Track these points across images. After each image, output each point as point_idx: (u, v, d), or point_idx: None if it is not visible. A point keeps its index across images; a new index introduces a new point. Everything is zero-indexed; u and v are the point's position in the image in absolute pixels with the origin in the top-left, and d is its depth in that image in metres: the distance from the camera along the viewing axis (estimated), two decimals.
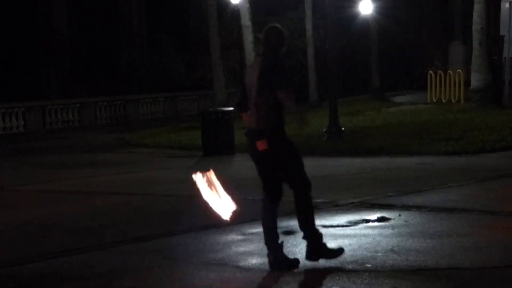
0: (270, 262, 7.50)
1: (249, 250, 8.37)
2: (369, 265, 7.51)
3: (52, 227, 10.44)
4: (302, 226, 7.70)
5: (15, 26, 40.26)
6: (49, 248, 9.00)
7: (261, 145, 7.40)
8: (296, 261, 7.56)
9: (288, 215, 10.26)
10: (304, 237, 7.70)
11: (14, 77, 39.78)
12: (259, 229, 9.35)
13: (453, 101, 31.14)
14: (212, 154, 18.36)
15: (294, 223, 9.61)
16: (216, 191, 7.76)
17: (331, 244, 8.47)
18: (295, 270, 7.47)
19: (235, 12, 30.76)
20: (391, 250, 8.05)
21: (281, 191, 7.64)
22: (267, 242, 7.55)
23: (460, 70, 32.68)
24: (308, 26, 35.87)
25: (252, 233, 9.14)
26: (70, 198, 13.32)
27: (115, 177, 16.04)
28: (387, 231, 9.04)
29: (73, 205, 12.46)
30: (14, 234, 10.11)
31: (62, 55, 41.76)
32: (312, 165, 15.98)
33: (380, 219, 9.77)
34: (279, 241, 7.55)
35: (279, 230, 8.83)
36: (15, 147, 25.46)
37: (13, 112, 29.87)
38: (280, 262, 7.47)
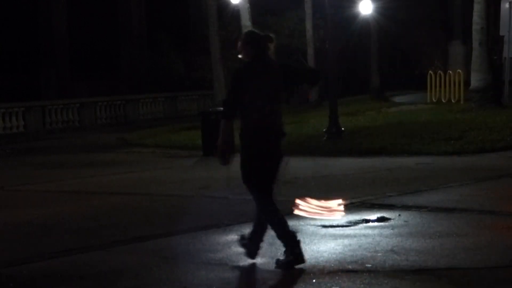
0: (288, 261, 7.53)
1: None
2: (369, 265, 7.51)
3: (52, 227, 10.44)
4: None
5: (15, 26, 40.26)
6: (49, 248, 9.00)
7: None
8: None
9: (288, 214, 10.27)
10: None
11: (14, 77, 39.79)
12: None
13: (453, 101, 31.14)
14: (212, 154, 18.36)
15: (294, 223, 9.63)
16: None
17: (330, 244, 8.48)
18: (295, 269, 7.45)
19: (235, 12, 30.76)
20: (391, 250, 8.05)
21: None
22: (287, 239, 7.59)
23: (460, 70, 32.69)
24: (308, 26, 35.87)
25: None
26: (70, 198, 13.32)
27: (115, 177, 16.04)
28: (387, 231, 9.04)
29: (73, 205, 12.45)
30: (14, 234, 10.11)
31: (62, 55, 41.77)
32: (312, 165, 16.05)
33: (380, 219, 9.77)
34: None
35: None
36: (15, 147, 25.46)
37: (13, 112, 29.88)
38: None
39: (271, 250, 8.28)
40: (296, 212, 9.11)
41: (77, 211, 11.70)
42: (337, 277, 7.15)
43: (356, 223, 9.64)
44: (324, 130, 19.89)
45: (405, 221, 9.62)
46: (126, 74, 43.04)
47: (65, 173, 17.11)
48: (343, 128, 20.03)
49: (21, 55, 40.77)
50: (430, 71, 33.93)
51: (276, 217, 7.63)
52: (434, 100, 32.26)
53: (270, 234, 9.09)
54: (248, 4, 26.64)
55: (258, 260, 7.86)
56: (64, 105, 32.32)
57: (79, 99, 34.50)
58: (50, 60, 41.18)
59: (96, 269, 7.94)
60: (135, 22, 43.85)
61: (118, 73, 43.03)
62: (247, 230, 9.34)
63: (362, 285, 6.90)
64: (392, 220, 9.70)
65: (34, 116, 30.56)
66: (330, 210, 9.41)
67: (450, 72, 32.98)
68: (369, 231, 9.09)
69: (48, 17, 41.39)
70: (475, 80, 24.85)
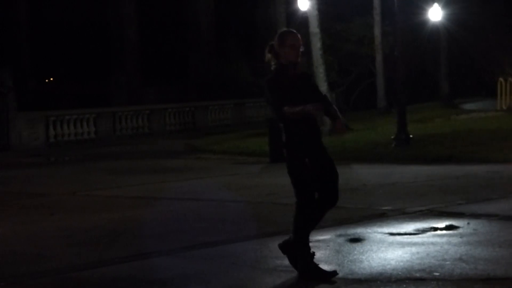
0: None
1: (315, 257, 8.35)
2: (437, 274, 7.45)
3: (121, 232, 10.58)
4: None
5: (87, 34, 40.96)
6: (118, 253, 9.12)
7: None
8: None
9: (355, 222, 10.25)
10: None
11: (85, 84, 40.48)
12: (326, 236, 9.37)
13: None
14: (280, 161, 18.34)
15: (361, 231, 9.60)
16: None
17: (398, 252, 8.43)
18: (363, 278, 7.43)
19: (303, 19, 30.76)
20: (460, 259, 7.97)
21: None
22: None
23: None
24: (377, 32, 35.70)
25: (319, 240, 9.13)
26: (138, 204, 13.48)
27: (183, 183, 16.19)
28: (456, 240, 8.95)
29: (142, 210, 12.61)
30: (85, 239, 10.26)
31: (132, 62, 42.33)
32: (380, 172, 15.97)
33: (448, 227, 9.68)
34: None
35: (349, 237, 8.89)
36: (86, 152, 25.86)
37: (85, 118, 30.40)
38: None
39: (338, 258, 8.28)
40: None
41: (145, 216, 11.84)
42: (404, 285, 7.12)
43: (424, 231, 9.57)
44: (392, 137, 19.78)
45: (474, 230, 9.51)
46: (195, 81, 43.39)
47: (134, 179, 17.32)
48: (411, 135, 19.90)
49: (92, 63, 41.45)
50: (500, 78, 33.46)
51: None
52: (504, 107, 31.82)
53: (336, 242, 9.09)
54: (316, 11, 26.58)
55: (325, 267, 7.86)
56: (135, 111, 32.75)
57: (149, 105, 34.93)
58: (121, 67, 41.77)
59: (164, 274, 8.02)
60: (204, 29, 44.20)
61: (187, 80, 43.42)
62: (314, 237, 9.35)
63: None
64: (460, 228, 9.60)
65: (105, 122, 31.04)
66: None
67: None
68: (437, 239, 9.01)
69: (118, 24, 42.00)
70: None
